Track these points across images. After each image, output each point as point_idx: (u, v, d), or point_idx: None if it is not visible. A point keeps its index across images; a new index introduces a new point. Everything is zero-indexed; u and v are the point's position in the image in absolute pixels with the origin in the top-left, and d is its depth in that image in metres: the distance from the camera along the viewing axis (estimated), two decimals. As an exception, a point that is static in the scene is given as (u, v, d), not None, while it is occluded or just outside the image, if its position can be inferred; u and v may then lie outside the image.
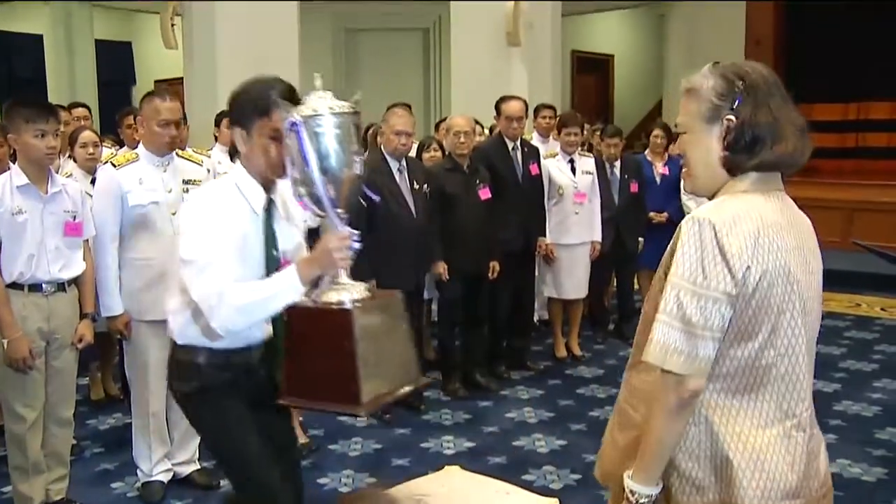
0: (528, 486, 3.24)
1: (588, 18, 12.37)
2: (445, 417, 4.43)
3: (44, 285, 3.10)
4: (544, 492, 3.37)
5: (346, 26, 10.79)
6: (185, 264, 2.13)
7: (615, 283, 6.11)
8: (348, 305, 2.06)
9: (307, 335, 2.11)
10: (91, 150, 4.32)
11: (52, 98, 9.50)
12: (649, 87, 12.65)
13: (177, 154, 3.42)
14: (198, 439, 3.65)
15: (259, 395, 2.27)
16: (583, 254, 5.32)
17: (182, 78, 8.06)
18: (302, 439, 3.98)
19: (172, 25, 8.03)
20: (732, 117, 1.56)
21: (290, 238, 2.34)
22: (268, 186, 2.25)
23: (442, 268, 4.49)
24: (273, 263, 2.23)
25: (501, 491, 2.54)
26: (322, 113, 2.02)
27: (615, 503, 1.68)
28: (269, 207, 2.26)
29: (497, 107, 5.00)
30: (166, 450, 3.54)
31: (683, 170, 1.71)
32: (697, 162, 1.63)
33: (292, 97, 2.14)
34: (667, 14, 11.62)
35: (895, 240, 6.68)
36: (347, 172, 2.06)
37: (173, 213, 3.29)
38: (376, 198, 3.56)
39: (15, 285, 3.04)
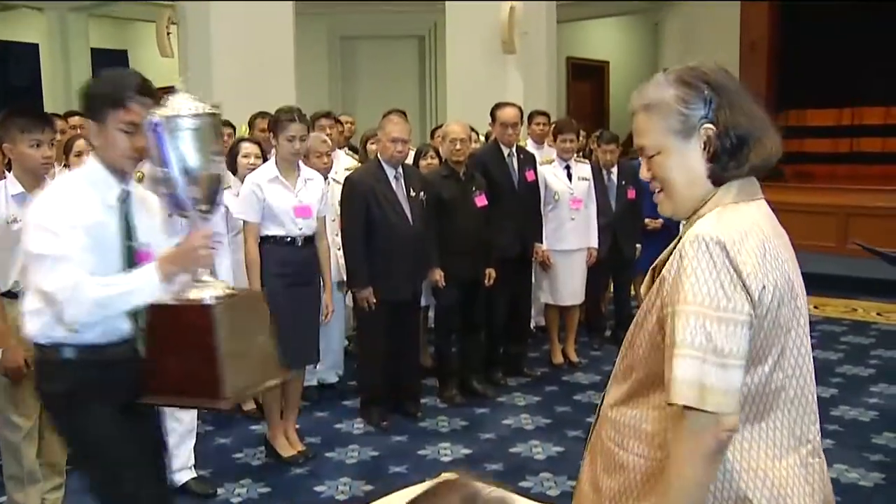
0: (525, 493, 3.23)
1: (583, 25, 12.40)
2: (442, 424, 4.42)
3: (39, 294, 3.09)
4: (541, 498, 3.36)
5: (342, 34, 10.81)
6: (35, 259, 2.10)
7: (612, 289, 6.11)
8: (209, 302, 2.10)
9: (169, 333, 2.14)
10: (86, 158, 4.31)
11: (48, 107, 9.50)
12: (644, 94, 12.64)
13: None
14: (192, 444, 3.65)
15: (128, 394, 2.21)
16: (579, 260, 5.32)
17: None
18: (298, 447, 3.98)
19: (168, 34, 8.06)
20: (710, 125, 1.43)
21: (153, 230, 2.33)
22: (123, 178, 2.25)
23: (438, 275, 4.49)
24: (131, 255, 2.22)
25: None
26: (182, 114, 2.07)
27: None
28: (126, 199, 2.25)
29: (492, 113, 5.01)
30: (162, 458, 3.52)
31: (656, 195, 1.53)
32: (679, 183, 1.47)
33: (146, 90, 2.17)
34: (662, 20, 11.66)
35: (890, 244, 6.68)
36: (207, 172, 2.12)
37: None
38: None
39: (10, 294, 3.04)
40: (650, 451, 1.49)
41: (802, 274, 1.51)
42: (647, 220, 5.78)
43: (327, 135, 4.81)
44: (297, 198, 3.84)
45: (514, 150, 4.97)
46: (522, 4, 7.89)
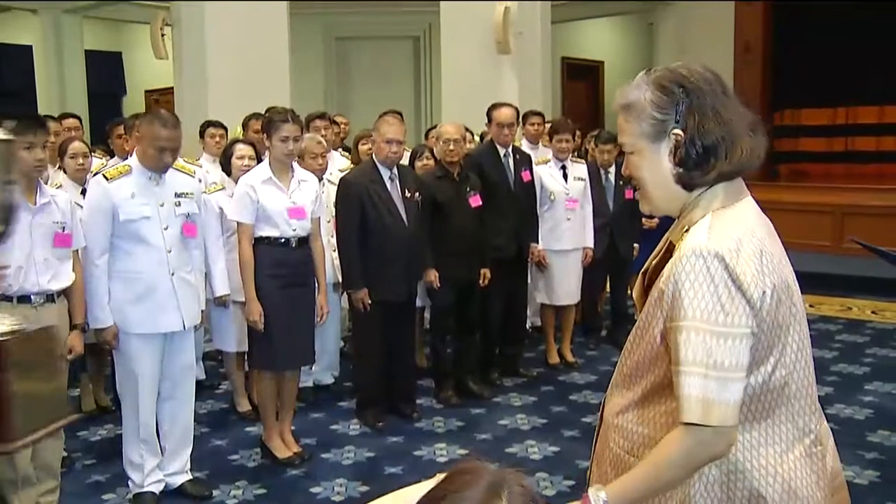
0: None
1: (578, 25, 12.42)
2: (438, 425, 4.42)
3: (33, 297, 3.09)
4: (538, 499, 3.36)
5: (337, 35, 10.81)
6: None
7: (608, 289, 6.11)
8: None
9: None
10: (81, 160, 4.31)
11: (43, 109, 9.49)
12: (639, 94, 12.66)
13: (168, 164, 3.41)
14: (189, 449, 3.64)
15: None
16: (575, 260, 5.32)
17: (172, 88, 8.06)
18: (294, 448, 3.97)
19: (162, 36, 8.04)
20: (679, 131, 1.44)
21: None
22: None
23: (434, 275, 4.49)
24: None
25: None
26: None
27: None
28: None
29: (488, 114, 5.01)
30: (157, 460, 3.52)
31: (637, 192, 1.58)
32: (650, 183, 1.51)
33: None
34: (656, 21, 11.68)
35: (885, 243, 6.68)
36: None
37: (165, 228, 3.32)
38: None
39: (3, 297, 3.02)
40: None
41: (797, 273, 1.52)
42: (643, 220, 5.78)
43: (322, 136, 4.80)
44: (291, 199, 3.83)
45: (509, 150, 4.98)
46: (517, 5, 7.90)
